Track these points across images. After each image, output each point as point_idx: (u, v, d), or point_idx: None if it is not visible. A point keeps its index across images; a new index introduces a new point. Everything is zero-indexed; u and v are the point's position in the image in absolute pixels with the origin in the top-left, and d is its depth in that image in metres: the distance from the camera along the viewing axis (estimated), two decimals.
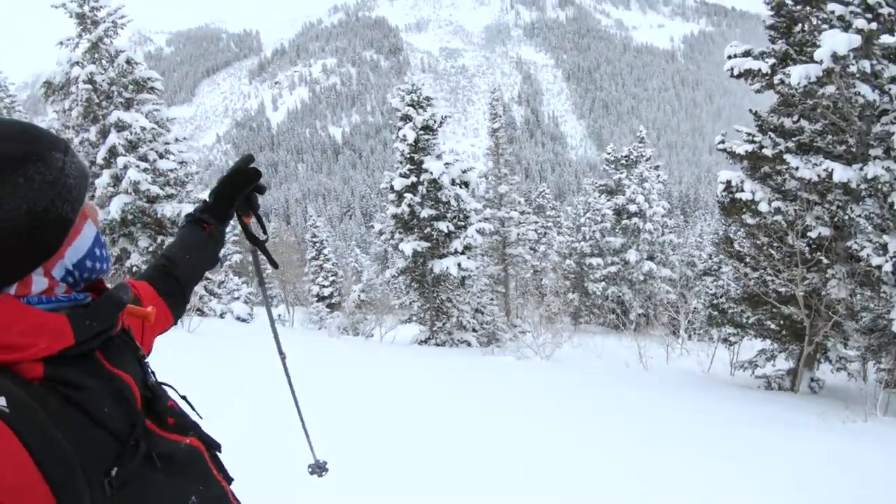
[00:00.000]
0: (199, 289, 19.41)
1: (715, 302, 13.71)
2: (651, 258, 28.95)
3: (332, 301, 30.65)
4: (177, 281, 1.40)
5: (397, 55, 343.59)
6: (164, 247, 1.52)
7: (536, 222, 33.53)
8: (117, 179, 16.00)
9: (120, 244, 16.24)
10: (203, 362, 8.36)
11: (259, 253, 1.62)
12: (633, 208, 28.34)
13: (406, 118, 17.93)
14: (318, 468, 1.89)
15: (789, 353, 12.60)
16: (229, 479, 1.13)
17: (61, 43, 16.46)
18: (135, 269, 16.03)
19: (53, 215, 0.83)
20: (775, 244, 11.58)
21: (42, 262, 0.85)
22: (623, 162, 29.76)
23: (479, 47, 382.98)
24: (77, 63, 15.92)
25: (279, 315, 29.70)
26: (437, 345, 17.79)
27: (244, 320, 20.36)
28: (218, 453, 1.14)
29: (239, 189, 1.49)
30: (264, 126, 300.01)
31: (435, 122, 17.88)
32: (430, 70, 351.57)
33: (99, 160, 15.97)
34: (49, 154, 0.84)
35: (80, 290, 0.95)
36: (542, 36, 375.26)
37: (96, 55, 16.23)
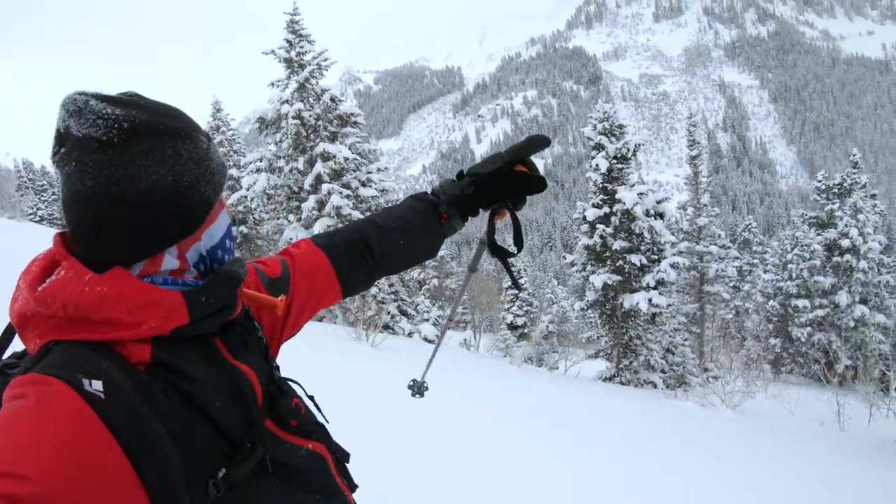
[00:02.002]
0: (392, 308, 20.26)
1: None
2: (864, 301, 25.12)
3: (524, 331, 30.85)
4: (370, 254, 1.19)
5: (597, 84, 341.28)
6: (377, 211, 1.29)
7: (739, 258, 30.87)
8: (322, 204, 17.42)
9: None
10: (382, 372, 8.63)
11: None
12: (845, 244, 24.84)
13: (598, 147, 17.42)
14: (418, 387, 1.64)
15: None
16: (353, 488, 1.04)
17: (272, 84, 18.46)
18: None
19: (196, 194, 0.80)
20: None
21: (179, 238, 0.81)
22: (835, 191, 26.38)
23: (680, 72, 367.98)
24: (286, 101, 17.78)
25: (465, 339, 30.36)
26: (622, 383, 16.95)
27: (431, 341, 20.84)
28: (346, 462, 1.05)
29: (512, 193, 1.19)
30: (468, 158, 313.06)
31: (628, 150, 17.17)
32: (630, 98, 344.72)
33: (306, 186, 17.52)
34: (196, 135, 0.81)
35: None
36: (744, 55, 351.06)
37: (303, 94, 17.97)
